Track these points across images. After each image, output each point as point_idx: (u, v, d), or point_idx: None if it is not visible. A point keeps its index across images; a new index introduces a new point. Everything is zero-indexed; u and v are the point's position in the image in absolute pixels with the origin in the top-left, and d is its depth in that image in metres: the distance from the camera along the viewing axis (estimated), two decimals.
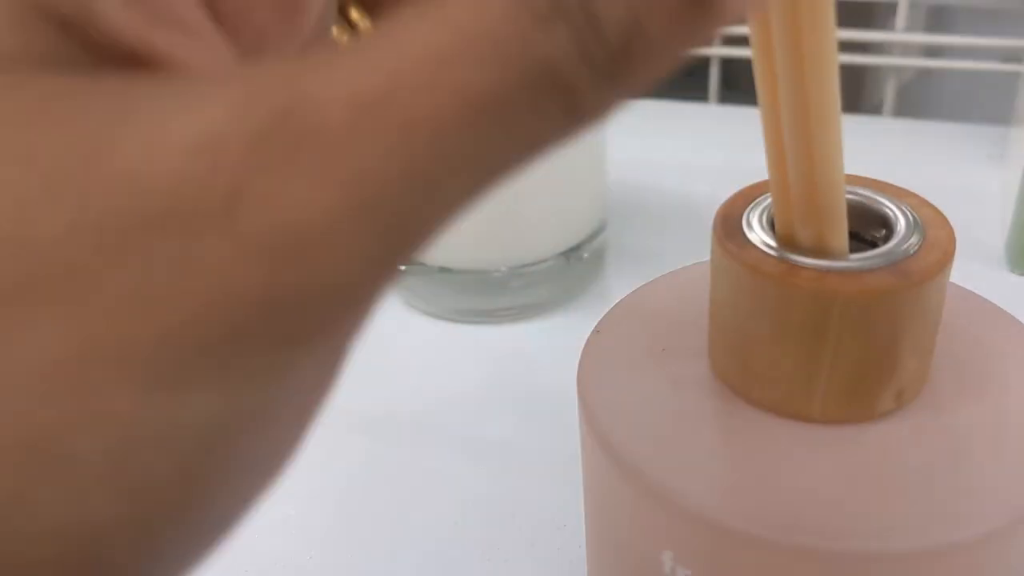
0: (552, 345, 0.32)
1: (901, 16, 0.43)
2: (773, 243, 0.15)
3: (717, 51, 0.47)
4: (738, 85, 0.55)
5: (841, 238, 0.15)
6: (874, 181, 0.16)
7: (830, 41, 0.13)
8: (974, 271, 0.34)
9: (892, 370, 0.15)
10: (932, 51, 0.53)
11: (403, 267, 0.32)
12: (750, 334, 0.15)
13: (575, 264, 0.33)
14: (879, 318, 0.14)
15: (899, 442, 0.15)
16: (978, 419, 0.16)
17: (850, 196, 0.16)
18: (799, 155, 0.14)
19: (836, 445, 0.15)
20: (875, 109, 0.47)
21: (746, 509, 0.15)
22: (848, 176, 0.17)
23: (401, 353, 0.32)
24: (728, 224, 0.16)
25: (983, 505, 0.14)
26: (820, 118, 0.13)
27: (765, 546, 0.14)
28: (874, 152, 0.43)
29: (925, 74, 0.55)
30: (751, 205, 0.16)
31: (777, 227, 0.15)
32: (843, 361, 0.15)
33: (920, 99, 0.55)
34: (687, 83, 0.52)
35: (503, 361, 0.31)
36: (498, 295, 0.33)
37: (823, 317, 0.14)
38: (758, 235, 0.15)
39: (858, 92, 0.50)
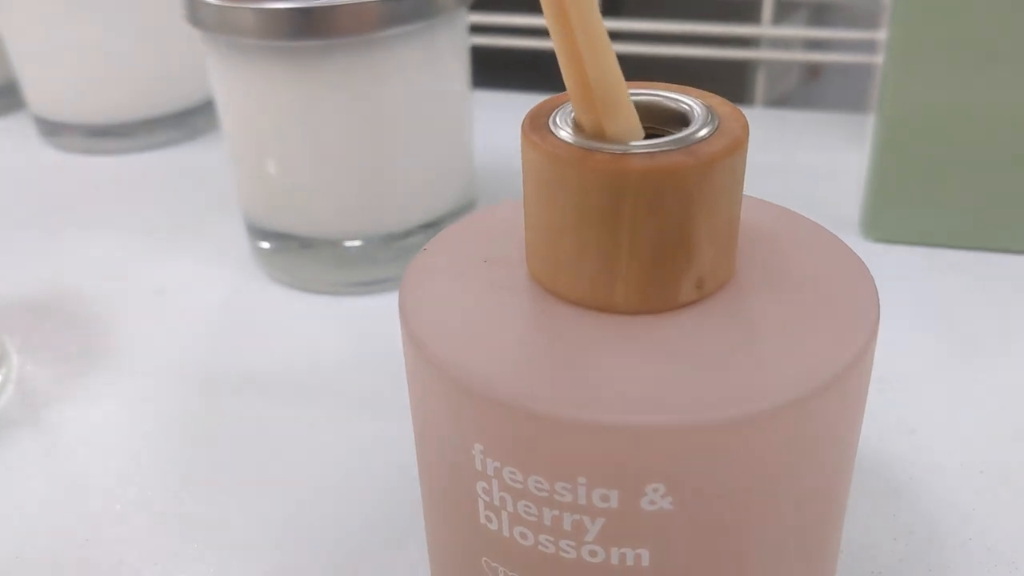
0: None
1: (767, 10, 0.45)
2: (574, 135, 0.15)
3: None
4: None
5: (624, 125, 0.15)
6: (678, 86, 0.17)
7: None
8: None
9: (689, 256, 0.15)
10: (821, 45, 0.55)
11: (267, 244, 0.31)
12: (555, 226, 0.16)
13: None
14: (671, 198, 0.15)
15: (699, 328, 0.16)
16: (776, 309, 0.16)
17: (651, 96, 0.17)
18: (568, 44, 0.14)
19: (639, 332, 0.15)
20: (769, 102, 0.49)
21: (548, 393, 0.15)
22: (654, 83, 0.17)
23: (266, 324, 0.32)
24: (535, 122, 0.16)
25: (776, 381, 0.15)
26: (579, 10, 0.14)
27: (567, 426, 0.14)
28: (750, 139, 0.44)
29: (813, 69, 0.58)
30: (559, 108, 0.16)
31: (583, 123, 0.16)
32: (640, 245, 0.15)
33: (808, 90, 0.57)
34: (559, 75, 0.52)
35: (371, 330, 0.31)
36: (368, 267, 0.32)
37: (617, 198, 0.15)
38: (562, 130, 0.16)
39: (746, 85, 0.52)
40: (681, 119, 0.16)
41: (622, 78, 0.15)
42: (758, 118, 0.46)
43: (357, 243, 0.32)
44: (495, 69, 0.46)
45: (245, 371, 0.29)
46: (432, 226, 0.33)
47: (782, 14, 0.49)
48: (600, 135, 0.15)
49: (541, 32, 0.48)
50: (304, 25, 0.27)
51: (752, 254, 0.17)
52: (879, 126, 0.33)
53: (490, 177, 0.39)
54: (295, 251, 0.32)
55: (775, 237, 0.18)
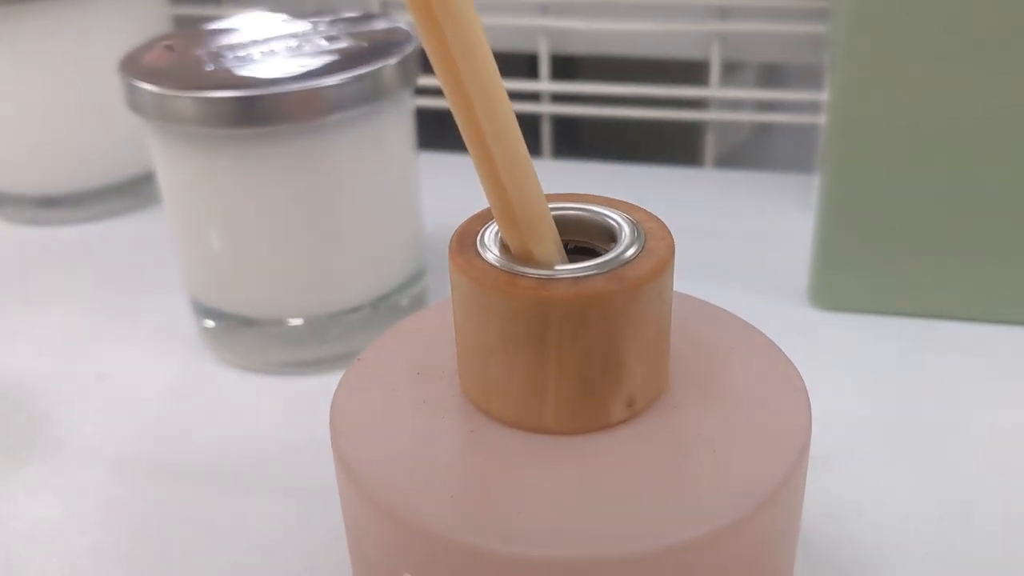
0: None
1: (715, 73, 0.45)
2: (501, 257, 0.15)
3: (549, 108, 0.48)
4: (579, 141, 0.57)
5: (548, 248, 0.15)
6: (606, 199, 0.17)
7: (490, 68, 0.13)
8: (780, 306, 0.35)
9: (618, 377, 0.15)
10: (769, 106, 0.56)
11: (212, 323, 0.31)
12: (484, 348, 0.16)
13: (394, 312, 0.33)
14: (596, 323, 0.15)
15: (630, 449, 0.15)
16: (708, 426, 0.16)
17: (581, 211, 0.17)
18: (489, 171, 0.14)
19: (570, 455, 0.15)
20: (719, 162, 0.49)
21: (478, 523, 0.14)
22: (583, 195, 0.17)
23: (211, 409, 0.31)
24: (463, 242, 0.16)
25: (708, 506, 0.15)
26: (498, 138, 0.14)
27: (497, 559, 0.14)
28: (699, 200, 0.45)
29: (762, 129, 0.58)
30: (486, 225, 0.16)
31: (510, 244, 0.16)
32: (568, 368, 0.15)
33: (758, 152, 0.58)
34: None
35: (318, 413, 0.31)
36: (315, 345, 0.32)
37: (543, 324, 0.15)
38: (489, 251, 0.16)
39: (696, 145, 0.52)
40: (610, 234, 0.16)
41: (546, 205, 0.15)
42: (707, 179, 0.46)
43: (299, 322, 0.31)
44: (442, 129, 0.46)
45: (189, 459, 0.29)
46: (381, 300, 0.32)
47: (730, 75, 0.50)
48: (527, 256, 0.15)
49: None
50: (247, 113, 0.27)
51: (686, 364, 0.17)
52: (824, 190, 0.33)
53: (440, 241, 0.39)
54: (240, 330, 0.32)
55: (709, 344, 0.18)
